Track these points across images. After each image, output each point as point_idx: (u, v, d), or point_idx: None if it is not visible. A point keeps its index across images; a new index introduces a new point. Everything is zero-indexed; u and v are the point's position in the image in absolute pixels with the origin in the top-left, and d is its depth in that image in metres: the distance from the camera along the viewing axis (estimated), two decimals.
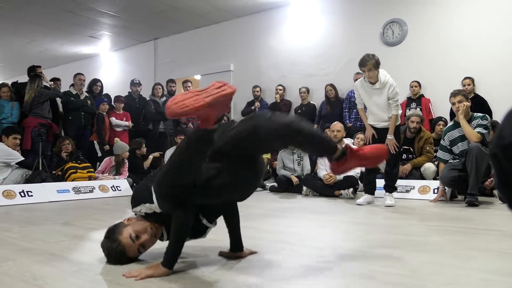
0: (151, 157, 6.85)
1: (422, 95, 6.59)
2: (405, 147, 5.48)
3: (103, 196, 5.48)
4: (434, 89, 6.54)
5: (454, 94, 4.48)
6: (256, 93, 8.11)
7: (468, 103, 4.41)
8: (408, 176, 5.34)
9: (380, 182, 4.58)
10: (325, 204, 4.58)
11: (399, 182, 5.01)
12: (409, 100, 6.66)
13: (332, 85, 7.20)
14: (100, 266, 1.94)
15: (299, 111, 7.77)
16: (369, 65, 4.09)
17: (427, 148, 5.42)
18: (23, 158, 5.50)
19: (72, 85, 6.98)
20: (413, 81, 6.60)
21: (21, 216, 3.81)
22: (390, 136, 4.26)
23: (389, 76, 4.20)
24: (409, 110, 6.45)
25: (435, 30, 6.72)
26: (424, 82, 6.64)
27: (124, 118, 7.30)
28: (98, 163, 6.70)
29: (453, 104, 4.48)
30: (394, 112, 4.21)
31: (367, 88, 4.27)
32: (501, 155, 0.76)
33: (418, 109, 6.39)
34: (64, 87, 7.39)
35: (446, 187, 4.59)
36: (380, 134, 4.35)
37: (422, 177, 5.34)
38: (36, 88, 6.31)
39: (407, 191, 5.02)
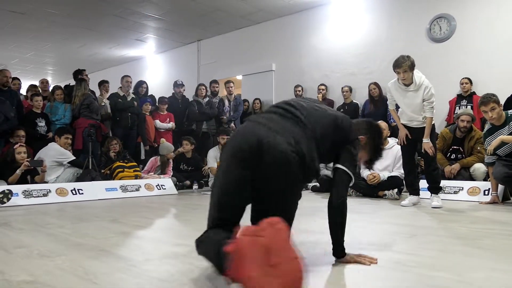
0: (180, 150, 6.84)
1: (473, 93, 6.28)
2: (455, 147, 5.26)
3: (149, 194, 5.65)
4: (486, 86, 6.21)
5: (484, 102, 4.11)
6: (298, 92, 8.08)
7: (500, 108, 4.12)
8: (456, 177, 5.12)
9: (424, 183, 4.43)
10: (368, 204, 4.49)
11: (447, 183, 4.83)
12: (460, 97, 6.37)
13: (376, 84, 7.05)
14: (146, 262, 2.00)
15: (342, 110, 7.66)
16: (404, 66, 3.96)
17: (478, 148, 5.15)
18: (74, 158, 5.77)
19: (120, 87, 7.25)
20: (463, 78, 6.31)
21: (73, 213, 4.02)
22: (426, 140, 4.12)
23: (424, 77, 4.06)
24: (459, 108, 6.19)
25: (485, 24, 6.40)
26: (475, 79, 6.34)
27: (168, 119, 7.49)
28: (141, 165, 6.88)
29: (485, 112, 4.16)
30: (429, 115, 4.06)
31: (400, 90, 4.16)
32: None
33: (469, 107, 6.10)
34: (112, 89, 7.68)
35: (497, 192, 4.36)
36: (413, 134, 4.24)
37: (471, 177, 5.11)
38: (84, 91, 6.59)
39: (455, 193, 4.82)
